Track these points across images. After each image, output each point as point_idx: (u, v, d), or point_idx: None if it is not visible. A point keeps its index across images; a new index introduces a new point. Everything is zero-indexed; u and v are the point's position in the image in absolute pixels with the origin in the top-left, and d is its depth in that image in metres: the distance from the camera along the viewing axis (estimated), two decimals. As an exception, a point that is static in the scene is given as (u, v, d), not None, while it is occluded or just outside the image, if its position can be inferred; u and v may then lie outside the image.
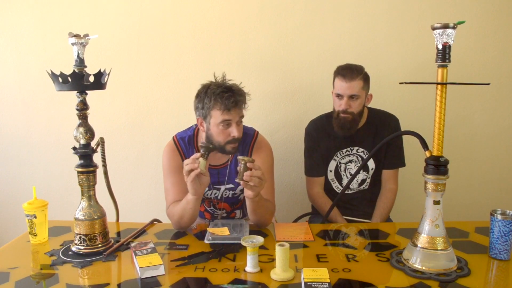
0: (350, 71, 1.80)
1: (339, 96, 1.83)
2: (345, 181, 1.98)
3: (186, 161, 1.39)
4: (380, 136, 1.88)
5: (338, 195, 1.84)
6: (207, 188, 1.64)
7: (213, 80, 1.57)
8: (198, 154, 1.38)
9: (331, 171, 1.98)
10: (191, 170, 1.36)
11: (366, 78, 1.84)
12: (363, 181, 1.97)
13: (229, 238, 1.39)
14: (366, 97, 1.88)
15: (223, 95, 1.48)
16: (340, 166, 1.96)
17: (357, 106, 1.82)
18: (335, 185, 2.00)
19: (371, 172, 1.96)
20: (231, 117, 1.51)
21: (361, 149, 1.93)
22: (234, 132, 1.52)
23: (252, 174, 1.34)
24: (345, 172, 1.97)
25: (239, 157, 1.37)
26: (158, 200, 2.32)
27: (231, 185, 1.68)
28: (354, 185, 1.97)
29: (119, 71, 2.26)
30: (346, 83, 1.79)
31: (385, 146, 1.89)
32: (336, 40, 2.23)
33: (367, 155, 1.92)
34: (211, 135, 1.55)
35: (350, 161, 1.95)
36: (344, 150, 1.94)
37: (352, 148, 1.94)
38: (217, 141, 1.54)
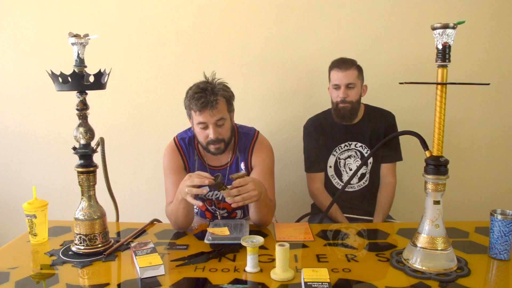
0: (344, 62, 1.89)
1: (336, 86, 1.89)
2: (344, 177, 2.00)
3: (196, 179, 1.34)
4: (377, 131, 1.94)
5: (338, 191, 1.86)
6: (207, 189, 1.64)
7: (204, 79, 1.57)
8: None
9: (330, 166, 2.00)
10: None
11: (360, 69, 1.91)
12: (363, 175, 1.99)
13: (229, 238, 1.39)
14: (362, 88, 1.93)
15: (194, 96, 1.50)
16: (340, 161, 1.98)
17: (354, 95, 1.88)
18: (335, 181, 2.01)
19: (369, 166, 1.98)
20: (205, 120, 1.51)
21: (359, 144, 1.96)
22: (211, 134, 1.53)
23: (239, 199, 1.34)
24: (345, 168, 1.99)
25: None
26: (158, 200, 2.33)
27: (229, 186, 1.68)
28: (354, 180, 2.00)
29: (119, 71, 2.26)
30: (342, 72, 1.86)
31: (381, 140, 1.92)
32: (336, 40, 2.23)
33: (365, 149, 1.96)
34: (195, 135, 1.62)
35: (349, 156, 1.97)
36: (342, 145, 1.97)
37: (350, 143, 1.96)
38: (200, 140, 1.59)
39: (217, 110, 1.51)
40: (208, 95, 1.49)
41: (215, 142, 1.54)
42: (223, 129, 1.56)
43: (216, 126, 1.53)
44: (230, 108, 1.59)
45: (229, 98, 1.57)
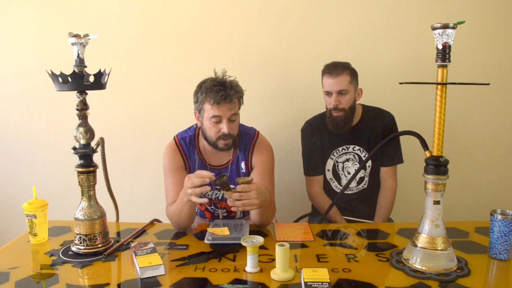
0: (335, 68, 1.83)
1: (328, 93, 1.86)
2: (343, 180, 1.98)
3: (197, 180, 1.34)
4: (375, 133, 1.91)
5: (337, 194, 1.84)
6: (209, 187, 1.64)
7: (213, 76, 1.58)
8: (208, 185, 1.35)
9: (329, 170, 1.98)
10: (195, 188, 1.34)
11: (353, 73, 1.86)
12: (362, 179, 1.97)
13: (229, 238, 1.39)
14: (356, 92, 1.89)
15: (213, 89, 1.50)
16: (338, 165, 1.97)
17: (347, 101, 1.84)
18: (334, 184, 2.00)
19: (368, 169, 1.96)
20: (221, 113, 1.51)
21: (357, 147, 1.93)
22: (225, 128, 1.53)
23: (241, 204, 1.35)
24: (343, 171, 1.97)
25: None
26: (158, 200, 2.33)
27: (232, 186, 1.68)
28: (352, 183, 1.98)
29: (119, 71, 2.26)
30: (333, 79, 1.82)
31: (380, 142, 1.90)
32: (336, 40, 2.23)
33: (364, 153, 1.93)
34: (204, 130, 1.59)
35: (348, 160, 1.95)
36: (340, 149, 1.95)
37: (348, 147, 1.94)
38: (209, 135, 1.57)
39: (234, 104, 1.53)
40: (228, 89, 1.51)
41: (226, 137, 1.54)
42: (234, 125, 1.57)
43: (229, 121, 1.54)
44: (240, 106, 1.61)
45: (242, 95, 1.59)
